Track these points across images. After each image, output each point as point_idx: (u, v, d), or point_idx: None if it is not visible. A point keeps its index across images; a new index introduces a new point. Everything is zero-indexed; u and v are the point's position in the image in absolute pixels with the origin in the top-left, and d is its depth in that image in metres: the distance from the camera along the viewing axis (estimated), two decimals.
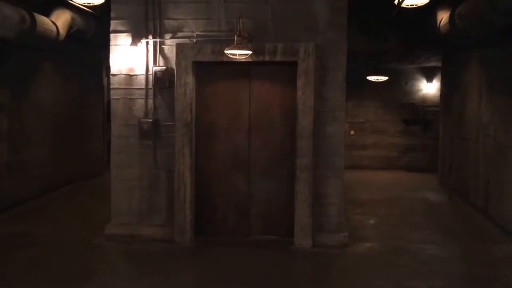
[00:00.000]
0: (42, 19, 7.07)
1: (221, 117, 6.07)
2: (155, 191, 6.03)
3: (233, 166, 6.10)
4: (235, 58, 5.56)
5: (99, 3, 5.94)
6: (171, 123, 5.89)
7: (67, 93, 9.74)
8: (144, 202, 6.04)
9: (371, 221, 7.17)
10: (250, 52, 5.46)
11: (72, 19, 8.13)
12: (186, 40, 5.84)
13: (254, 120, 6.05)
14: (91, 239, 6.03)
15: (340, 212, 5.86)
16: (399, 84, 13.25)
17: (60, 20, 7.77)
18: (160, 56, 5.90)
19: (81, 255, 5.54)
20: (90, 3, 6.09)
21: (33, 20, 6.73)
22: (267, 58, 5.73)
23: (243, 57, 5.55)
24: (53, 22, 7.46)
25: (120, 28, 5.94)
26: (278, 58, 5.72)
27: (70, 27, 8.09)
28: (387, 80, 11.84)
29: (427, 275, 5.01)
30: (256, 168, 6.08)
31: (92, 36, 8.76)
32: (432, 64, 12.26)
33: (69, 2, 7.64)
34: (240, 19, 5.37)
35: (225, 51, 5.41)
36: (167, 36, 5.89)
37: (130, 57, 5.91)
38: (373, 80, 11.77)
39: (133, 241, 5.91)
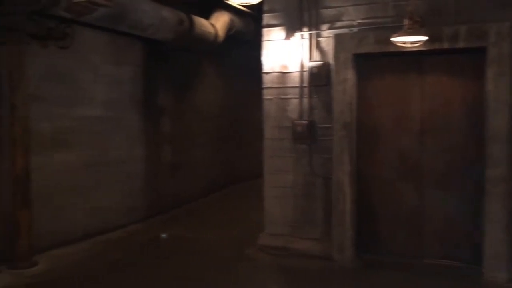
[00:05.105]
0: (200, 21, 7.04)
1: (386, 117, 5.22)
2: (310, 200, 5.44)
3: (401, 174, 5.19)
4: (405, 47, 4.68)
5: (256, 2, 5.63)
6: (329, 125, 5.24)
7: (229, 94, 9.77)
8: (299, 211, 5.50)
9: None
10: (424, 38, 4.52)
11: (231, 20, 8.04)
12: (346, 30, 5.13)
13: (427, 120, 5.06)
14: (243, 249, 5.69)
15: None
16: None
17: (219, 22, 7.73)
18: (316, 50, 5.29)
19: (228, 268, 5.19)
20: (247, 3, 5.82)
21: (191, 22, 6.72)
22: (445, 45, 4.73)
23: (415, 44, 4.62)
24: (211, 24, 7.42)
25: (272, 21, 5.49)
26: (460, 44, 4.67)
27: (229, 28, 8.01)
28: None
29: None
30: (429, 177, 5.08)
31: (253, 37, 8.58)
32: None
33: (228, 4, 7.54)
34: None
35: (392, 39, 4.55)
36: (324, 27, 5.25)
37: (283, 53, 5.43)
38: None
39: (286, 254, 5.40)
